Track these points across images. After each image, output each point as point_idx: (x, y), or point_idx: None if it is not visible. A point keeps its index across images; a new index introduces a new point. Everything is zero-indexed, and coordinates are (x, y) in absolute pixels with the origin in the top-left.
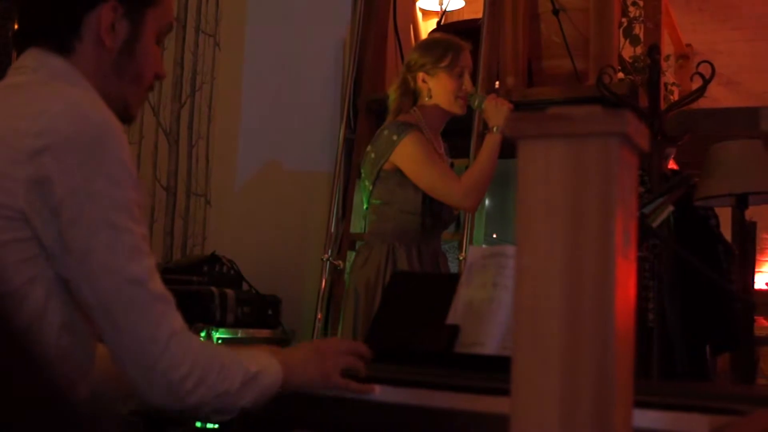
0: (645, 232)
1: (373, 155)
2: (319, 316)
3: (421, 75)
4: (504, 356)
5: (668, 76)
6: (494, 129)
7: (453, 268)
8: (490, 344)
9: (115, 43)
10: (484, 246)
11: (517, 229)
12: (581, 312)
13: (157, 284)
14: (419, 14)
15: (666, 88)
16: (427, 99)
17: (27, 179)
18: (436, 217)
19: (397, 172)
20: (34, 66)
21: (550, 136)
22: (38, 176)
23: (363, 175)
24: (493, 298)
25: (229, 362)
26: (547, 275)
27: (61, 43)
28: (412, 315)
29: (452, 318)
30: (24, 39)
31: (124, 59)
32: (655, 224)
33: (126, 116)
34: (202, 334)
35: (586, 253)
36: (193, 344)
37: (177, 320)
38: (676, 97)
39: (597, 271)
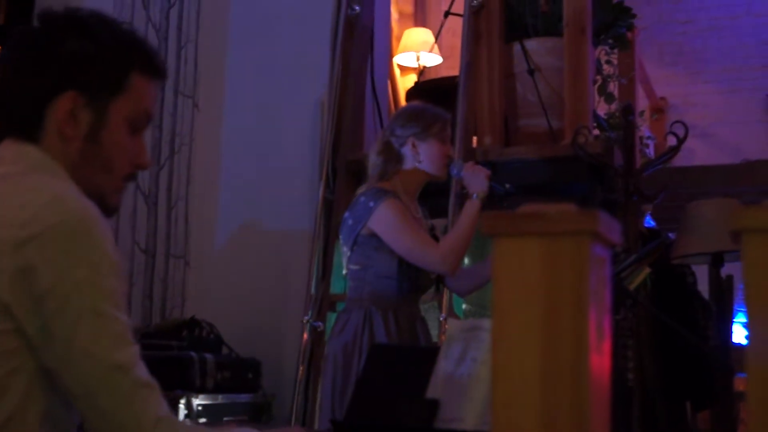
0: (622, 293)
1: (350, 221)
2: (299, 378)
3: (411, 140)
4: None
5: (643, 130)
6: (474, 196)
7: (433, 328)
8: (469, 420)
9: (77, 132)
10: (462, 319)
11: (493, 324)
12: (556, 407)
13: (142, 371)
14: (397, 70)
15: (641, 142)
16: (417, 164)
17: (12, 270)
18: (412, 281)
19: (374, 237)
20: (13, 158)
21: (523, 234)
22: (23, 266)
23: (341, 240)
24: (472, 373)
25: None
26: (521, 372)
27: (28, 134)
28: (391, 388)
29: (432, 392)
30: None
31: (90, 148)
32: (631, 287)
33: (104, 206)
34: (182, 401)
35: (559, 351)
36: (178, 429)
37: (162, 406)
38: (652, 149)
39: (571, 368)
